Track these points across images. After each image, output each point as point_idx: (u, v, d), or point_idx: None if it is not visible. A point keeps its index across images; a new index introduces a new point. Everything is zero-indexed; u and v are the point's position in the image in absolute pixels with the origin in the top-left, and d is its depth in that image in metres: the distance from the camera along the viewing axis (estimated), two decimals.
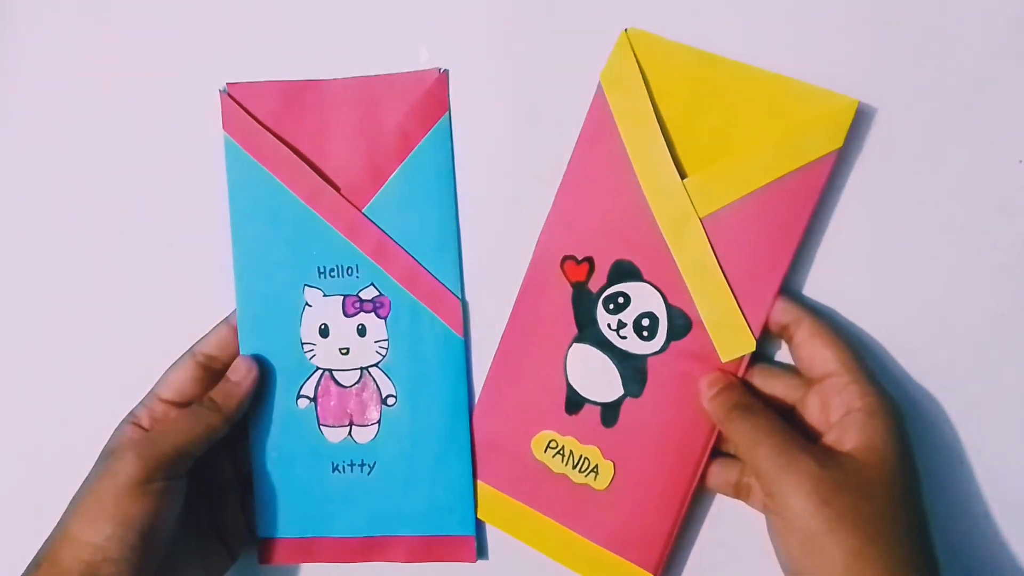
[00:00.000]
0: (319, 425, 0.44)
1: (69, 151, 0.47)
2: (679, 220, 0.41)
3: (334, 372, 0.44)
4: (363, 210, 0.43)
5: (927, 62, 0.40)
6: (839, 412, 0.37)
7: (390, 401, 0.44)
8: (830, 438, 0.37)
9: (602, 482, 0.43)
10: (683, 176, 0.41)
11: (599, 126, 0.42)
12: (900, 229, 0.41)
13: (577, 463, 0.43)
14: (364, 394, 0.44)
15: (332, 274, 0.44)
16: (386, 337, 0.44)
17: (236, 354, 0.44)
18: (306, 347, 0.44)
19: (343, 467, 0.44)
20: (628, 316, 0.42)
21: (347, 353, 0.44)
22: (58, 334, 0.48)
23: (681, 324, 0.42)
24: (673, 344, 0.42)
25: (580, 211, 0.42)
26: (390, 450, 0.44)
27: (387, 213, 0.43)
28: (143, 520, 0.38)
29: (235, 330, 0.44)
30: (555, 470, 0.43)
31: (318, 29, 0.44)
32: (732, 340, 0.41)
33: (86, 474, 0.40)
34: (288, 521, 0.45)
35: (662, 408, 0.42)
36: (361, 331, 0.44)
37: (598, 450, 0.43)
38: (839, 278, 0.42)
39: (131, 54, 0.45)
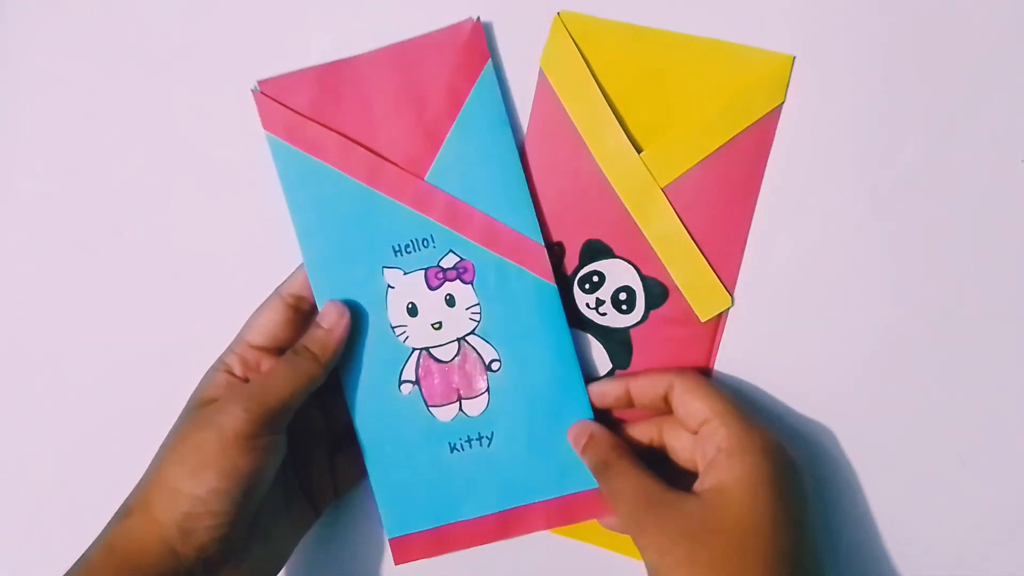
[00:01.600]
0: (427, 407, 0.42)
1: (109, 174, 0.45)
2: (642, 193, 0.42)
3: (431, 350, 0.42)
4: (425, 178, 0.42)
5: (927, 62, 0.41)
6: (709, 456, 0.38)
7: (495, 366, 0.42)
8: (697, 483, 0.38)
9: None
10: (638, 150, 0.42)
11: (547, 112, 0.42)
12: (899, 229, 0.42)
13: None
14: (466, 365, 0.42)
15: (408, 250, 0.42)
16: (476, 302, 0.42)
17: None
18: (397, 330, 0.42)
19: (461, 445, 0.42)
20: (605, 293, 0.43)
21: (440, 327, 0.42)
22: (104, 346, 0.46)
23: (658, 293, 0.43)
24: (652, 313, 0.43)
25: (543, 198, 0.43)
26: (505, 416, 0.42)
27: (450, 175, 0.42)
28: (249, 475, 0.37)
29: None
30: None
31: (338, 7, 0.43)
32: (708, 300, 0.42)
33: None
34: (416, 515, 0.43)
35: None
36: (450, 301, 0.42)
37: None
38: (835, 274, 0.42)
39: (154, 66, 0.44)
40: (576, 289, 0.43)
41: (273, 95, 0.42)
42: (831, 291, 0.42)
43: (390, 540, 0.43)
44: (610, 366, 0.43)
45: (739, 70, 0.41)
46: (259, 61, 0.42)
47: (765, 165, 0.42)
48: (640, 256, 0.43)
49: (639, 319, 0.43)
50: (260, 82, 0.42)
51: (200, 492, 0.36)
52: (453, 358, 0.42)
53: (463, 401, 0.42)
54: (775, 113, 0.41)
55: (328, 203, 0.42)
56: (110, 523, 0.37)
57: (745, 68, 0.41)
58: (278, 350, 0.41)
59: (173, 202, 0.45)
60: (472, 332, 0.42)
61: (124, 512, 0.37)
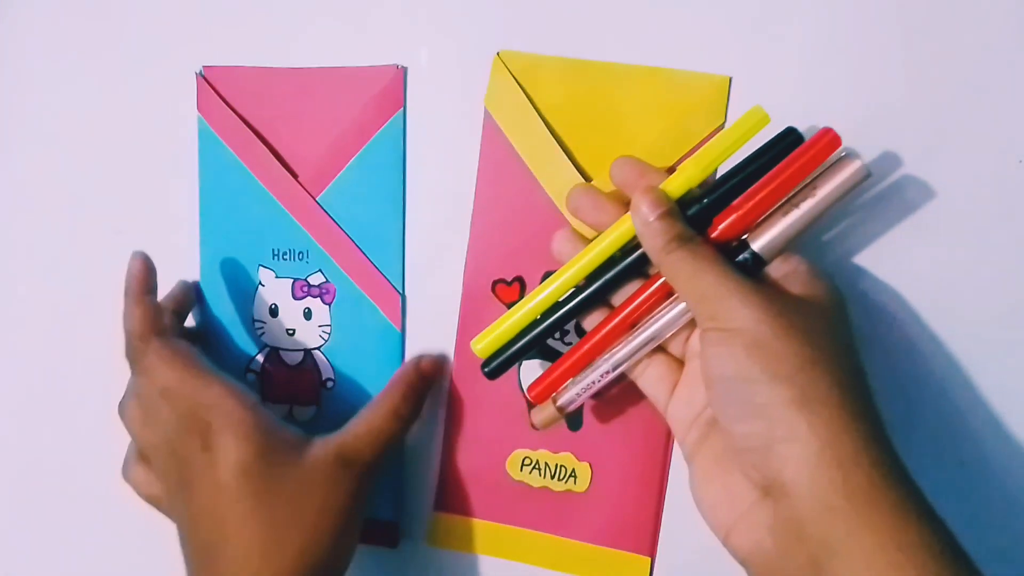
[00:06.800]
0: (263, 400, 0.46)
1: (45, 136, 0.49)
2: None
3: (280, 351, 0.46)
4: (317, 198, 0.45)
5: (927, 62, 0.40)
6: (781, 271, 0.37)
7: (328, 384, 0.46)
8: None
9: (582, 484, 0.44)
10: (588, 180, 0.42)
11: (495, 150, 0.43)
12: (899, 229, 0.41)
13: (555, 472, 0.44)
14: (305, 375, 0.46)
15: (285, 257, 0.45)
16: (329, 323, 0.45)
17: None
18: (256, 324, 0.46)
19: None
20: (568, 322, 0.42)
21: (293, 334, 0.46)
22: (34, 321, 0.49)
23: None
24: None
25: (498, 235, 0.44)
26: (325, 432, 0.45)
27: (339, 203, 0.45)
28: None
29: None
30: (535, 485, 0.45)
31: (297, 16, 0.45)
32: None
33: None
34: None
35: (621, 398, 0.43)
36: (307, 314, 0.45)
37: (571, 455, 0.44)
38: (840, 277, 0.41)
39: (110, 39, 0.48)
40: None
41: (213, 82, 0.45)
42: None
43: None
44: None
45: (678, 94, 0.42)
46: (207, 47, 0.46)
47: None
48: None
49: None
50: (206, 67, 0.46)
51: None
52: (297, 365, 0.46)
53: (294, 407, 0.46)
54: (716, 134, 0.41)
55: (231, 193, 0.45)
56: None
57: (684, 92, 0.42)
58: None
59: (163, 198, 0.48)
60: (319, 348, 0.46)
61: None
